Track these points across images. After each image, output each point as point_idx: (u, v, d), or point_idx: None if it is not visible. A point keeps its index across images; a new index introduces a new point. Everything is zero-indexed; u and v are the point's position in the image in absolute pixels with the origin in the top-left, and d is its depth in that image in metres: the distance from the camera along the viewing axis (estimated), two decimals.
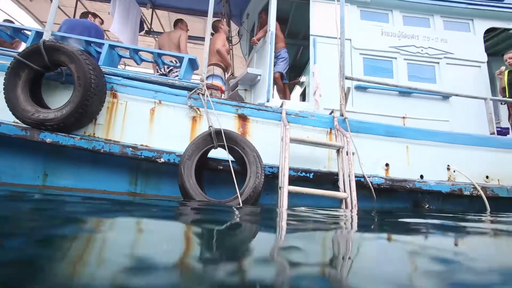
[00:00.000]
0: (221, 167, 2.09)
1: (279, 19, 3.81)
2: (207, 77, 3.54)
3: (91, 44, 2.74)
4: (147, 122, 2.31)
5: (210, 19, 2.74)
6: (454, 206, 2.68)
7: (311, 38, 3.67)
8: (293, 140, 2.12)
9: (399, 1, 3.85)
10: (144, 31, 4.89)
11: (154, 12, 4.98)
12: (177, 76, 3.51)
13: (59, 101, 2.26)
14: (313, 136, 2.51)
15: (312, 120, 2.55)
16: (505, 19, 4.02)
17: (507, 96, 3.62)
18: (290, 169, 2.08)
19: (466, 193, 2.52)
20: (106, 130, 2.29)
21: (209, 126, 2.03)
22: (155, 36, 5.25)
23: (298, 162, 2.39)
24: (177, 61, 3.21)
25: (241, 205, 1.74)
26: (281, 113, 2.47)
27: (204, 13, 5.04)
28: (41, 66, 2.19)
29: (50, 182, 2.27)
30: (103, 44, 2.71)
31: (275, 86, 4.05)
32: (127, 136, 2.28)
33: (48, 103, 2.30)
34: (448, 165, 2.72)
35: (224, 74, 3.60)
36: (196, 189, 1.74)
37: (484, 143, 2.88)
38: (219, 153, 2.13)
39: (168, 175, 2.24)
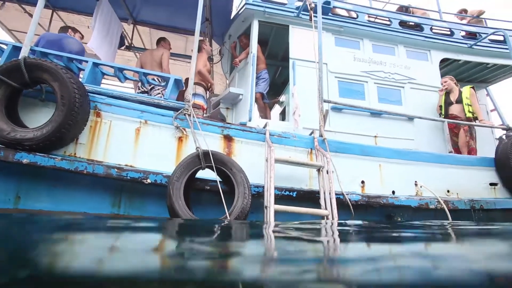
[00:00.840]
0: (209, 188, 2.13)
1: (260, 41, 4.01)
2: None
3: (73, 61, 2.70)
4: (132, 142, 2.30)
5: (196, 40, 2.83)
6: (422, 218, 2.92)
7: (291, 61, 3.90)
8: (277, 161, 2.23)
9: (368, 31, 4.25)
10: (124, 46, 4.85)
11: (135, 28, 4.99)
12: (160, 94, 3.53)
13: (38, 119, 2.18)
14: (295, 156, 2.64)
15: (294, 141, 2.70)
16: (455, 51, 4.58)
17: (443, 114, 4.05)
18: (275, 188, 2.17)
19: (432, 206, 2.78)
20: (89, 150, 2.24)
21: (197, 147, 2.08)
22: (136, 52, 5.24)
23: (281, 181, 2.49)
24: (160, 80, 3.24)
25: None
26: (264, 134, 2.59)
27: (185, 31, 5.16)
28: (20, 83, 2.13)
29: (23, 205, 2.15)
30: (85, 61, 2.68)
31: (256, 106, 4.20)
32: (111, 156, 2.24)
33: (25, 121, 2.21)
34: (416, 181, 2.98)
35: (206, 93, 3.68)
36: (185, 209, 1.76)
37: (444, 160, 3.21)
38: (205, 173, 2.17)
39: (154, 196, 2.22)
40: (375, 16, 4.44)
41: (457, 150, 3.87)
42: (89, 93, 2.29)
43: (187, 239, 1.15)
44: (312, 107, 3.64)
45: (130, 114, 2.35)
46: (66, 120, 2.04)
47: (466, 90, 4.03)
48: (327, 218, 2.13)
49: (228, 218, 1.82)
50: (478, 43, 4.56)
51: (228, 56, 5.02)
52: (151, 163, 2.25)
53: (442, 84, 4.14)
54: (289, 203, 2.23)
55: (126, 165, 2.21)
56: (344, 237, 1.38)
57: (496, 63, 4.75)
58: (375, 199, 2.60)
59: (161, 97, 3.48)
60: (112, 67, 2.63)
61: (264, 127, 2.67)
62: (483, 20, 5.10)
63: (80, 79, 2.49)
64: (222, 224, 1.58)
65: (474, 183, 3.22)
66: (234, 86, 4.10)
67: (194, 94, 3.61)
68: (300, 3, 4.10)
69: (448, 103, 4.04)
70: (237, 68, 4.30)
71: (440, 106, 4.10)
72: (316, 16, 3.43)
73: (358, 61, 4.19)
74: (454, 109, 3.96)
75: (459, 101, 3.97)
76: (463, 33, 4.73)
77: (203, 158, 1.99)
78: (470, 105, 3.91)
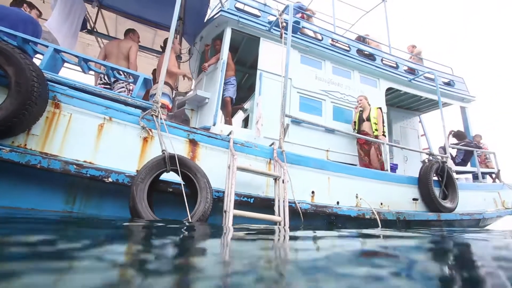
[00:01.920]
0: (171, 190, 2.19)
1: (231, 46, 4.14)
2: (151, 95, 3.57)
3: (29, 43, 2.50)
4: (93, 138, 2.23)
5: (171, 39, 2.83)
6: (359, 225, 3.36)
7: (258, 72, 4.11)
8: (239, 169, 2.40)
9: (330, 54, 4.68)
10: (86, 30, 4.54)
11: (100, 12, 4.70)
12: (124, 88, 3.42)
13: None
14: (255, 164, 2.84)
15: (255, 150, 2.89)
16: (398, 82, 5.31)
17: (356, 129, 4.40)
18: (234, 194, 2.32)
19: (367, 216, 3.23)
20: (42, 142, 2.11)
21: (163, 150, 2.13)
22: (99, 37, 4.92)
23: (240, 187, 2.66)
24: (125, 74, 3.15)
25: None
26: (228, 141, 2.73)
27: (155, 25, 5.03)
28: None
29: None
30: (44, 44, 2.50)
31: (224, 110, 4.32)
32: (68, 151, 2.15)
33: None
34: (357, 194, 3.42)
35: (172, 92, 3.67)
36: (148, 211, 1.81)
37: (380, 177, 3.72)
38: (168, 175, 2.23)
39: (113, 195, 2.20)
40: (337, 41, 4.91)
41: (366, 165, 4.16)
42: (48, 82, 2.17)
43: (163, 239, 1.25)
44: (274, 118, 3.90)
45: (94, 109, 2.28)
46: (20, 110, 1.92)
47: (374, 110, 4.37)
48: (280, 224, 2.36)
49: (190, 220, 1.91)
50: (415, 78, 5.35)
51: (197, 56, 5.03)
52: (112, 162, 2.22)
53: (357, 102, 4.52)
54: (246, 209, 2.41)
55: (85, 162, 2.14)
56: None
57: (427, 97, 5.62)
58: (322, 208, 2.93)
59: (125, 92, 3.40)
60: (76, 56, 2.50)
61: (228, 135, 2.81)
62: (422, 59, 5.99)
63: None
64: (190, 225, 1.68)
65: (401, 198, 3.81)
66: (201, 89, 4.16)
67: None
68: (273, 18, 4.35)
69: (361, 120, 4.40)
70: (205, 71, 4.36)
71: (355, 122, 4.48)
72: (286, 34, 3.69)
73: (318, 80, 4.59)
74: (365, 126, 4.31)
75: (369, 119, 4.32)
76: (406, 68, 5.50)
77: (169, 162, 2.05)
78: (376, 124, 4.29)
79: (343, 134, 4.31)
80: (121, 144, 2.30)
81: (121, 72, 3.09)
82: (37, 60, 2.59)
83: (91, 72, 3.08)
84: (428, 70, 5.51)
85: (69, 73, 5.74)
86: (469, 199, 4.41)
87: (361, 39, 5.50)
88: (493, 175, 5.40)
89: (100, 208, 2.19)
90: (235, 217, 2.17)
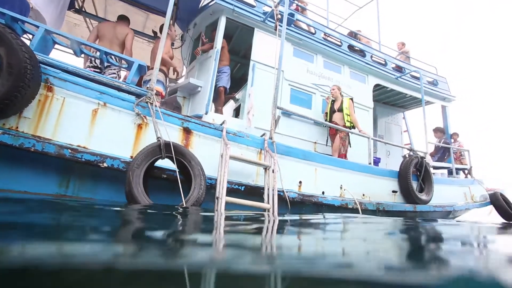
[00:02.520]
0: (165, 176, 2.26)
1: (224, 35, 4.13)
2: (144, 81, 3.55)
3: (18, 22, 2.43)
4: (87, 123, 2.24)
5: (166, 25, 2.81)
6: (342, 213, 3.56)
7: (251, 63, 4.14)
8: (232, 158, 2.48)
9: (322, 48, 4.76)
10: (73, 9, 4.37)
11: None
12: (115, 74, 3.38)
13: None
14: (246, 154, 2.93)
15: (247, 140, 2.98)
16: (386, 79, 5.49)
17: (327, 119, 4.40)
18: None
19: (350, 206, 3.43)
20: (35, 126, 2.11)
21: (158, 137, 2.18)
22: (86, 17, 4.76)
23: (231, 175, 2.75)
24: (118, 59, 3.11)
25: None
26: (221, 130, 2.80)
27: (147, 8, 4.91)
28: None
29: None
30: (34, 25, 2.44)
31: (217, 99, 4.34)
32: (61, 135, 2.16)
33: None
34: (341, 185, 3.61)
35: (166, 80, 3.65)
36: (144, 196, 1.88)
37: (363, 170, 3.93)
38: (163, 162, 2.29)
39: (107, 179, 2.24)
40: (329, 36, 4.98)
41: (341, 155, 4.13)
42: (40, 64, 2.14)
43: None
44: (265, 109, 3.98)
45: (88, 93, 2.28)
46: (12, 92, 1.90)
47: (346, 100, 4.36)
48: (269, 211, 2.49)
49: (185, 205, 2.00)
50: (402, 76, 5.55)
51: (189, 43, 4.98)
52: (106, 147, 2.25)
53: (330, 92, 4.53)
54: (237, 196, 2.52)
55: (79, 146, 2.16)
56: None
57: (412, 94, 5.86)
58: (308, 197, 3.09)
59: (116, 78, 3.36)
60: (69, 39, 2.46)
61: (221, 124, 2.87)
62: (409, 58, 6.19)
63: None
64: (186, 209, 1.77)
65: (382, 190, 4.05)
66: (194, 77, 4.15)
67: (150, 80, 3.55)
68: (267, 8, 4.35)
69: (332, 110, 4.39)
70: (198, 58, 4.34)
71: (326, 113, 4.47)
72: (281, 26, 3.73)
73: (310, 73, 4.68)
74: (336, 116, 4.32)
75: (340, 110, 4.31)
76: (393, 65, 5.68)
77: (164, 149, 2.11)
78: (349, 115, 4.28)
79: (332, 127, 4.46)
80: (115, 130, 2.32)
81: (113, 58, 3.05)
82: (25, 41, 2.53)
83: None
84: (414, 69, 5.72)
85: (56, 54, 5.54)
86: (442, 193, 4.72)
87: (353, 35, 5.60)
88: (466, 171, 5.78)
89: (94, 192, 2.23)
90: (226, 203, 2.28)
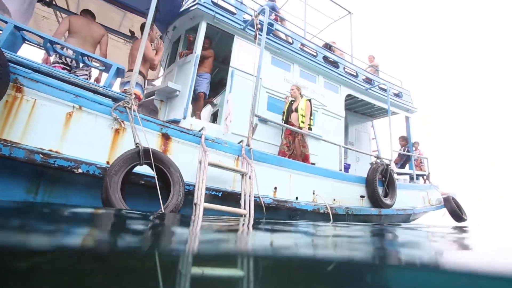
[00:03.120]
0: (143, 182, 2.25)
1: (204, 39, 4.14)
2: (122, 83, 3.48)
3: None
4: (60, 126, 2.17)
5: (148, 27, 2.79)
6: (315, 218, 3.74)
7: (230, 69, 4.22)
8: (210, 164, 2.54)
9: (299, 58, 4.97)
10: (43, 1, 4.13)
11: None
12: (86, 76, 3.26)
13: None
14: (224, 160, 2.99)
15: (225, 147, 3.05)
16: (357, 90, 5.85)
17: (284, 119, 4.42)
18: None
19: (321, 211, 3.62)
20: (1, 128, 2.00)
21: (137, 144, 2.17)
22: (57, 10, 4.51)
23: (209, 181, 2.79)
24: (90, 59, 3.00)
25: None
26: (200, 137, 2.84)
27: (123, 6, 4.78)
28: None
29: None
30: (3, 20, 2.31)
31: (195, 104, 4.35)
32: (31, 138, 2.07)
33: None
34: (314, 190, 3.79)
35: (144, 82, 3.60)
36: (122, 203, 1.87)
37: (334, 176, 4.16)
38: (140, 168, 2.28)
39: (80, 185, 2.18)
40: (306, 46, 5.21)
41: (291, 156, 4.14)
42: (9, 63, 2.04)
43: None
44: (242, 115, 4.07)
45: (62, 96, 2.21)
46: None
47: (303, 101, 4.32)
48: (245, 217, 2.58)
49: (163, 212, 2.02)
50: (371, 88, 5.95)
51: (168, 45, 4.93)
52: (80, 152, 2.19)
53: (289, 91, 4.48)
54: (214, 202, 2.57)
55: (50, 151, 2.08)
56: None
57: (379, 105, 6.30)
58: (283, 203, 3.23)
59: (87, 79, 3.24)
60: (42, 37, 2.35)
61: (200, 131, 2.91)
62: (378, 71, 6.64)
63: None
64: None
65: (351, 195, 4.31)
66: (172, 81, 4.12)
67: (127, 82, 3.48)
68: (248, 17, 4.46)
69: (290, 110, 4.38)
70: (177, 62, 4.33)
71: (284, 112, 4.47)
72: (260, 35, 3.84)
73: (286, 81, 4.86)
74: (293, 117, 4.33)
75: (297, 110, 4.30)
76: (364, 77, 6.07)
77: (143, 155, 2.11)
78: (303, 116, 4.25)
79: (306, 134, 4.66)
80: (91, 135, 2.27)
81: (87, 58, 2.94)
82: None
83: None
84: (382, 81, 6.16)
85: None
86: (404, 197, 5.13)
87: (328, 46, 5.90)
88: (425, 177, 6.32)
89: (66, 198, 2.15)
90: (204, 209, 2.32)
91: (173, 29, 4.58)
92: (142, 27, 3.91)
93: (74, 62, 3.19)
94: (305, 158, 4.21)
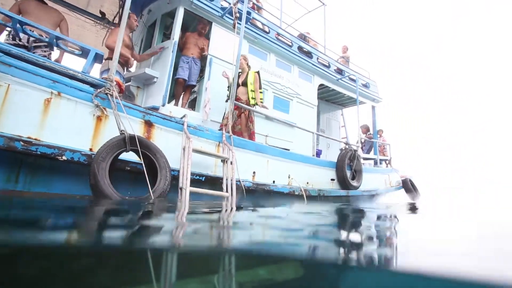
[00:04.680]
0: (129, 168, 2.30)
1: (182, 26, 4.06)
2: (103, 71, 3.37)
3: None
4: (38, 113, 2.11)
5: (126, 11, 2.73)
6: (290, 200, 4.02)
7: (208, 57, 4.23)
8: (194, 150, 2.64)
9: (275, 48, 5.10)
10: None
11: None
12: (46, 56, 3.03)
13: None
14: (205, 146, 3.10)
15: (206, 134, 3.15)
16: (329, 80, 6.16)
17: (228, 95, 3.92)
18: None
19: (296, 193, 3.90)
20: None
21: (121, 131, 2.20)
22: None
23: (191, 166, 2.90)
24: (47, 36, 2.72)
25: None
26: (182, 124, 2.91)
27: None
28: None
29: None
30: None
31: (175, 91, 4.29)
32: (6, 125, 2.00)
33: None
34: (289, 174, 4.06)
35: (124, 69, 3.50)
36: (111, 188, 1.92)
37: (308, 161, 4.46)
38: (125, 155, 2.31)
39: (63, 172, 2.17)
40: (281, 36, 5.34)
41: (237, 133, 3.72)
42: None
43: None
44: (221, 103, 4.15)
45: (38, 81, 2.14)
46: None
47: (252, 74, 3.95)
48: (228, 199, 2.75)
49: (152, 196, 2.11)
50: (342, 78, 6.30)
51: (142, 29, 4.77)
52: (61, 139, 2.16)
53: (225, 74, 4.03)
54: (198, 186, 2.70)
55: (29, 138, 2.04)
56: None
57: (349, 95, 6.71)
58: (261, 186, 3.44)
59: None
60: (10, 17, 2.22)
61: (182, 118, 2.97)
62: (348, 62, 7.01)
63: None
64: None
65: (323, 178, 4.67)
66: (149, 67, 4.05)
67: (108, 70, 3.37)
68: (225, 4, 4.45)
69: (236, 84, 3.79)
70: (153, 48, 4.23)
71: (228, 87, 4.00)
72: (239, 24, 3.89)
73: (263, 70, 4.98)
74: (240, 91, 3.89)
75: (245, 83, 3.92)
76: (335, 68, 6.39)
77: (129, 142, 2.15)
78: (253, 91, 3.86)
79: (281, 121, 4.88)
80: (72, 122, 2.24)
81: (43, 34, 2.69)
82: None
83: None
84: (352, 72, 6.54)
85: None
86: (369, 180, 5.65)
87: (302, 37, 6.09)
88: (387, 162, 6.95)
89: (49, 186, 2.14)
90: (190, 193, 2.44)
91: (148, 13, 4.43)
92: (120, 13, 3.73)
93: (32, 42, 2.94)
94: (251, 135, 3.88)
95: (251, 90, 3.89)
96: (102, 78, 2.68)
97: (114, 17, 4.68)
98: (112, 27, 4.67)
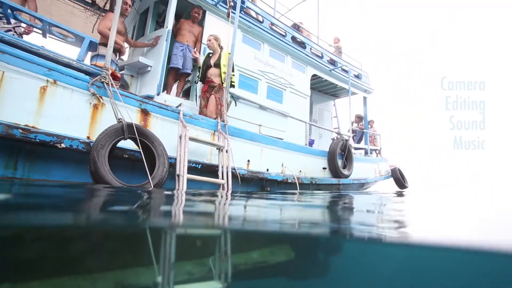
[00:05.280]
0: (127, 156, 2.35)
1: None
2: (93, 56, 3.34)
3: None
4: (34, 101, 2.12)
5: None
6: (284, 188, 4.15)
7: (202, 46, 4.22)
8: (191, 139, 2.69)
9: (269, 37, 5.11)
10: None
11: None
12: (11, 30, 2.91)
13: None
14: (201, 135, 3.15)
15: (202, 122, 3.19)
16: (321, 71, 6.23)
17: (200, 75, 3.83)
18: None
19: (289, 181, 4.02)
20: None
21: (119, 119, 2.23)
22: None
23: (188, 154, 2.96)
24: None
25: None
26: (178, 113, 2.94)
27: None
28: None
29: None
30: None
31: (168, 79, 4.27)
32: (2, 113, 2.01)
33: None
34: (282, 163, 4.16)
35: (116, 56, 3.46)
36: (111, 175, 1.97)
37: (300, 150, 4.58)
38: (123, 143, 2.35)
39: (61, 159, 2.20)
40: (275, 26, 5.34)
41: (205, 115, 3.50)
42: None
43: None
44: None
45: (34, 69, 2.14)
46: None
47: (225, 56, 3.72)
48: (223, 186, 2.83)
49: (151, 183, 2.17)
50: (334, 69, 6.37)
51: (134, 15, 4.69)
52: (58, 127, 2.18)
53: (207, 43, 3.85)
54: (194, 173, 2.77)
55: (26, 126, 2.06)
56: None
57: (341, 85, 6.80)
58: (255, 174, 3.53)
59: (13, 35, 2.87)
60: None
61: (177, 107, 3.00)
62: (341, 52, 7.07)
63: None
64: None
65: (315, 167, 4.80)
66: (143, 56, 4.02)
67: (97, 55, 3.33)
68: None
69: (208, 65, 3.73)
70: (146, 36, 4.19)
71: (199, 68, 3.85)
72: (234, 13, 3.88)
73: (257, 60, 5.00)
74: (212, 72, 3.68)
75: (217, 65, 3.68)
76: (328, 58, 6.44)
77: (127, 130, 2.19)
78: (226, 73, 3.61)
79: (275, 111, 4.95)
80: (68, 110, 2.26)
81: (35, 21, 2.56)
82: None
83: None
84: (344, 63, 6.61)
85: None
86: (359, 169, 5.83)
87: (296, 27, 6.09)
88: (377, 151, 7.15)
89: (47, 173, 2.17)
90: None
91: (141, 0, 4.35)
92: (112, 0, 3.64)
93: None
94: (221, 119, 3.49)
95: (224, 72, 3.63)
96: (92, 64, 2.66)
97: (105, 3, 4.58)
98: (103, 14, 4.58)
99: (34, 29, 2.58)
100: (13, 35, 2.87)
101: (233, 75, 3.79)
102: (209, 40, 3.80)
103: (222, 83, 3.61)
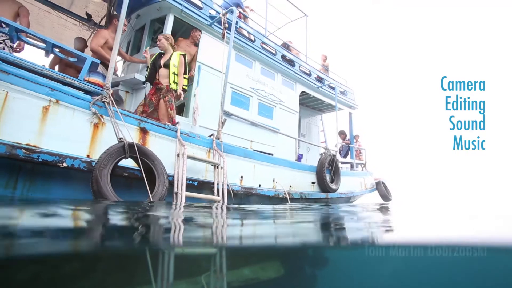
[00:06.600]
0: (126, 174, 2.40)
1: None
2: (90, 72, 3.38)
3: None
4: (37, 121, 2.16)
5: (122, 19, 2.80)
6: (272, 203, 4.26)
7: (197, 64, 4.36)
8: (188, 157, 2.78)
9: (260, 56, 5.33)
10: None
11: None
12: (1, 42, 2.91)
13: None
14: (197, 152, 3.24)
15: (198, 140, 3.29)
16: (310, 88, 6.51)
17: (147, 75, 3.55)
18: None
19: (281, 196, 4.15)
20: None
21: (120, 138, 2.30)
22: None
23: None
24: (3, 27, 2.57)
25: None
26: (175, 131, 3.03)
27: None
28: None
29: None
30: None
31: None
32: (5, 133, 2.03)
33: None
34: (274, 178, 4.29)
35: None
36: (113, 194, 2.02)
37: (291, 165, 4.73)
38: (124, 162, 2.41)
39: (61, 177, 2.22)
40: (266, 45, 5.58)
41: (151, 117, 3.16)
42: None
43: None
44: (210, 109, 4.29)
45: (37, 89, 2.18)
46: None
47: (176, 56, 3.43)
48: (219, 203, 2.91)
49: (152, 200, 2.23)
50: (322, 86, 6.68)
51: (129, 32, 4.78)
52: (59, 146, 2.22)
53: (157, 43, 3.56)
54: (191, 190, 2.84)
55: (28, 145, 2.08)
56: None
57: (328, 102, 7.11)
58: (248, 189, 3.64)
59: (4, 49, 2.89)
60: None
61: (175, 125, 3.09)
62: (328, 70, 7.42)
63: None
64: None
65: (304, 181, 4.96)
66: (138, 72, 4.10)
67: (90, 72, 3.35)
68: (214, 12, 4.60)
69: (157, 65, 3.46)
70: (142, 53, 4.27)
71: (147, 68, 3.60)
72: (228, 34, 4.07)
73: (249, 78, 5.19)
74: (161, 73, 3.41)
75: (167, 65, 3.39)
76: (316, 76, 6.75)
77: (128, 149, 2.25)
78: (176, 74, 3.36)
79: (266, 127, 5.11)
80: (69, 129, 2.30)
81: (3, 25, 2.57)
82: None
83: None
84: (331, 80, 6.94)
85: None
86: (346, 182, 6.05)
87: (286, 46, 6.38)
88: (362, 165, 7.44)
89: (47, 192, 2.19)
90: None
91: (137, 17, 4.47)
92: (109, 16, 3.73)
93: None
94: (173, 123, 3.28)
95: (173, 73, 3.34)
96: (85, 79, 2.67)
97: (101, 20, 4.65)
98: (97, 29, 4.64)
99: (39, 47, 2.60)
100: (3, 49, 2.90)
101: (186, 78, 3.58)
102: (159, 40, 3.50)
103: (170, 84, 3.33)
